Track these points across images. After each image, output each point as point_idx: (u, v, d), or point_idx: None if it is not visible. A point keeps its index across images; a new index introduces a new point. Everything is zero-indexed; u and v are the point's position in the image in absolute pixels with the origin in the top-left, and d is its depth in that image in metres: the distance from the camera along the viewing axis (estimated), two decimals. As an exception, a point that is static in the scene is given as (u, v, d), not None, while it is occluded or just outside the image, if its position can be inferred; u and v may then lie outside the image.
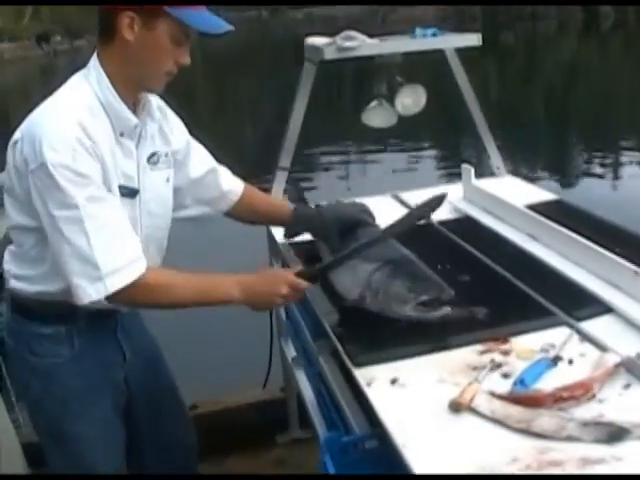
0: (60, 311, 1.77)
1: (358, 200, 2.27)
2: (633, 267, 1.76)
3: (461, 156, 9.12)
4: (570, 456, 1.17)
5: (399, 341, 1.61)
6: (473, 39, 2.60)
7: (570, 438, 1.21)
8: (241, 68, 23.26)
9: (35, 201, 1.62)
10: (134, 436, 2.03)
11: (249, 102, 17.22)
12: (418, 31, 2.65)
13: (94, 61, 1.72)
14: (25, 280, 1.79)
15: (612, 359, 1.42)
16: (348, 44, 2.44)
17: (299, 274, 1.78)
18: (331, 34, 2.63)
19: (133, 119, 1.73)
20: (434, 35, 2.59)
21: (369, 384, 1.47)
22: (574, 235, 2.02)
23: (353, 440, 1.47)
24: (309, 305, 2.06)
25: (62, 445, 1.90)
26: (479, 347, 1.56)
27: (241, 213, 2.13)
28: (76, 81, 1.73)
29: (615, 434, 1.20)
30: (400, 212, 2.57)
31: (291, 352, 2.87)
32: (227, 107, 15.70)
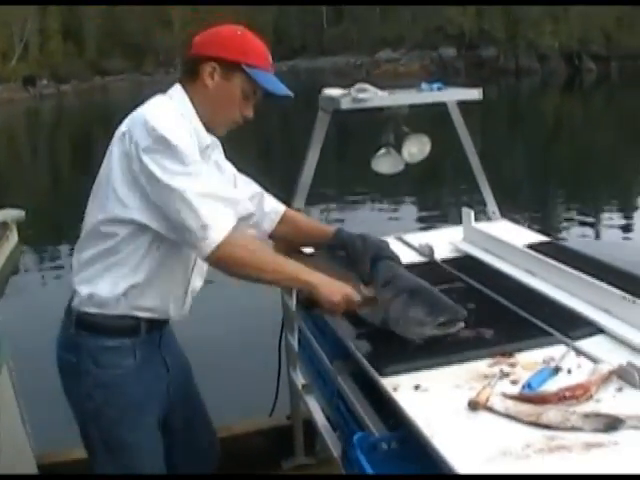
0: (125, 325, 1.96)
1: None
2: (620, 293, 2.00)
3: (454, 201, 9.56)
4: (575, 442, 1.39)
5: (419, 355, 1.83)
6: (474, 93, 2.85)
7: (574, 428, 1.43)
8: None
9: (149, 173, 1.81)
10: (168, 445, 2.19)
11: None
12: (424, 85, 2.91)
13: (178, 91, 2.01)
14: (93, 297, 1.94)
15: (606, 367, 1.65)
16: (362, 95, 2.68)
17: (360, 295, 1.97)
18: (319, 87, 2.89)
19: (208, 138, 2.02)
20: (439, 89, 2.85)
21: (395, 389, 1.68)
22: (568, 268, 2.27)
23: (382, 438, 1.69)
24: (328, 330, 2.29)
25: (116, 454, 2.05)
26: (489, 361, 1.78)
27: (284, 233, 2.29)
28: (172, 97, 2.01)
29: (612, 424, 1.42)
30: (403, 252, 2.83)
31: (300, 380, 3.09)
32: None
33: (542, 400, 1.52)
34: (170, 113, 1.90)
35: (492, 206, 3.23)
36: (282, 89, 2.03)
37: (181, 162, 1.82)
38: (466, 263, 2.63)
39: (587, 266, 2.32)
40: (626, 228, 8.96)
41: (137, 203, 1.86)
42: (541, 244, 2.68)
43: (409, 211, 10.71)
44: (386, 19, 51.32)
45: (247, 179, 2.29)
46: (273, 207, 2.29)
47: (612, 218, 9.53)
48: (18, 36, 43.61)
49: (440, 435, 1.46)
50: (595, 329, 1.96)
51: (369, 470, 1.58)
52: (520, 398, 1.54)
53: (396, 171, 3.05)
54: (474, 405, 1.55)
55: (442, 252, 2.79)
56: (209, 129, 2.02)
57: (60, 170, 17.26)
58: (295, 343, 2.98)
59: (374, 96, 2.73)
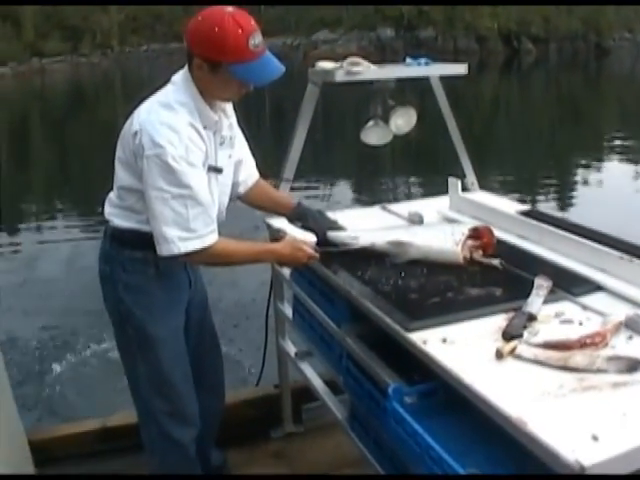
0: (149, 241, 2.22)
1: (351, 210, 2.95)
2: (617, 253, 2.15)
3: (427, 173, 9.78)
4: (603, 382, 1.53)
5: (440, 312, 1.95)
6: (460, 68, 2.97)
7: (599, 370, 1.57)
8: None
9: (146, 176, 2.13)
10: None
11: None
12: (408, 60, 3.02)
13: (182, 75, 2.23)
14: (124, 219, 2.31)
15: (616, 318, 1.79)
16: (356, 69, 2.77)
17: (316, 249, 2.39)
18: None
19: (214, 116, 2.25)
20: (427, 64, 2.95)
21: (424, 343, 1.79)
22: (560, 231, 2.41)
23: (416, 389, 1.80)
24: (335, 296, 2.38)
25: (145, 349, 2.39)
26: (504, 316, 1.90)
27: (254, 198, 2.65)
28: (176, 84, 2.23)
29: (633, 365, 1.57)
30: (388, 220, 2.94)
31: (291, 348, 3.18)
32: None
33: (566, 347, 1.65)
34: (183, 128, 2.13)
35: (471, 177, 3.35)
36: (266, 77, 2.16)
37: (179, 185, 2.11)
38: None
39: (576, 230, 2.46)
40: (564, 207, 9.29)
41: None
42: (528, 211, 2.82)
43: (392, 183, 10.98)
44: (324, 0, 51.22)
45: (244, 141, 2.58)
46: (249, 174, 2.61)
47: (549, 197, 9.87)
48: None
49: (479, 382, 1.57)
50: (594, 286, 2.10)
51: (409, 419, 1.68)
52: (545, 346, 1.66)
53: (384, 142, 3.15)
54: (502, 354, 1.66)
55: (430, 220, 2.90)
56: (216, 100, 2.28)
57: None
58: (287, 311, 3.06)
59: (366, 69, 2.82)
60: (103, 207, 2.40)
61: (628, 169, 11.66)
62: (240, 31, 2.07)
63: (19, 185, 12.40)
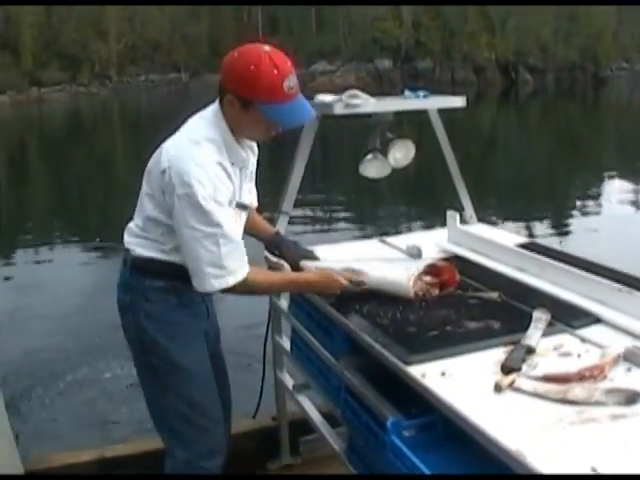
0: (170, 270, 2.29)
1: (349, 243, 3.06)
2: (617, 285, 2.16)
3: (426, 206, 9.81)
4: (601, 415, 1.53)
5: (439, 345, 1.95)
6: (458, 101, 3.00)
7: (598, 403, 1.57)
8: (162, 127, 23.52)
9: (177, 214, 2.15)
10: None
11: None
12: (407, 93, 3.05)
13: (212, 110, 2.24)
14: (146, 248, 2.32)
15: (614, 351, 1.80)
16: (354, 101, 2.79)
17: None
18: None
19: (243, 154, 2.29)
20: (425, 97, 2.98)
21: (423, 376, 1.79)
22: (560, 264, 2.42)
23: (414, 423, 1.80)
24: (333, 329, 2.39)
25: (173, 379, 2.37)
26: (503, 349, 1.91)
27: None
28: (205, 119, 2.24)
29: (631, 398, 1.57)
30: (386, 253, 2.95)
31: (289, 381, 3.17)
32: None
33: (565, 380, 1.65)
34: (212, 169, 2.14)
35: (469, 210, 3.37)
36: (297, 120, 2.20)
37: (210, 224, 2.13)
38: (456, 263, 2.76)
39: (575, 263, 2.48)
40: (561, 239, 9.29)
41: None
42: (527, 244, 2.83)
43: (389, 215, 11.06)
44: (322, 30, 51.77)
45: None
46: (252, 202, 2.59)
47: (546, 229, 9.90)
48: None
49: (478, 415, 1.57)
50: (593, 319, 2.10)
51: (408, 453, 1.69)
52: (544, 378, 1.67)
53: (383, 175, 3.16)
54: (500, 387, 1.67)
55: (429, 253, 2.90)
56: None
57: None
58: (285, 344, 3.06)
59: (365, 102, 2.85)
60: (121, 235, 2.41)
61: (626, 199, 11.71)
62: (276, 72, 2.08)
63: (15, 211, 12.47)
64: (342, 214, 11.38)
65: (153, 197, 2.25)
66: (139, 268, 2.34)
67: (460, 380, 1.76)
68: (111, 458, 3.30)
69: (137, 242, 2.34)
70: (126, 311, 2.39)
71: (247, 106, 2.12)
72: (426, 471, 1.63)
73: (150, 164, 2.27)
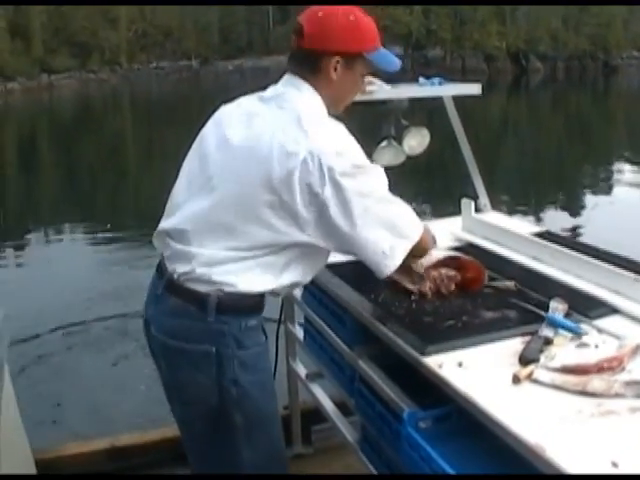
0: (259, 303, 1.98)
1: None
2: (633, 275, 2.14)
3: (438, 195, 9.74)
4: (621, 407, 1.52)
5: (455, 335, 1.93)
6: (475, 88, 2.97)
7: (617, 395, 1.56)
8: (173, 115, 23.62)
9: (342, 195, 1.82)
10: None
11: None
12: (422, 80, 3.02)
13: (303, 86, 1.99)
14: (252, 278, 1.92)
15: (633, 342, 1.78)
16: (370, 88, 2.76)
17: None
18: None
19: None
20: (440, 84, 2.95)
21: (440, 367, 1.78)
22: (575, 253, 2.40)
23: (430, 414, 1.79)
24: (346, 318, 2.37)
25: (256, 432, 2.01)
26: (520, 339, 1.89)
27: None
28: (305, 104, 1.97)
29: (651, 390, 1.55)
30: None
31: (302, 370, 3.16)
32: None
33: (583, 371, 1.64)
34: (344, 137, 1.92)
35: (484, 198, 3.34)
36: (395, 62, 2.09)
37: (380, 184, 1.93)
38: (471, 251, 2.73)
39: (591, 252, 2.45)
40: (573, 227, 9.26)
41: (312, 226, 1.88)
42: (542, 233, 2.81)
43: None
44: (332, 19, 51.38)
45: None
46: None
47: (558, 217, 9.86)
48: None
49: (497, 407, 1.56)
50: (610, 309, 2.08)
51: (425, 445, 1.67)
52: (563, 370, 1.65)
53: (397, 163, 3.12)
54: (519, 379, 1.65)
55: (443, 241, 2.88)
56: (330, 111, 2.05)
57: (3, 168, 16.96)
58: (299, 333, 3.05)
59: (380, 89, 2.82)
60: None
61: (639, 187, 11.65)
62: (369, 17, 2.02)
63: (27, 198, 12.49)
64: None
65: (276, 202, 1.85)
66: (232, 307, 1.93)
67: (477, 371, 1.74)
68: (122, 447, 3.30)
69: (238, 271, 1.91)
70: (208, 364, 1.94)
71: (352, 63, 1.99)
72: (442, 462, 1.62)
73: (266, 176, 1.85)
